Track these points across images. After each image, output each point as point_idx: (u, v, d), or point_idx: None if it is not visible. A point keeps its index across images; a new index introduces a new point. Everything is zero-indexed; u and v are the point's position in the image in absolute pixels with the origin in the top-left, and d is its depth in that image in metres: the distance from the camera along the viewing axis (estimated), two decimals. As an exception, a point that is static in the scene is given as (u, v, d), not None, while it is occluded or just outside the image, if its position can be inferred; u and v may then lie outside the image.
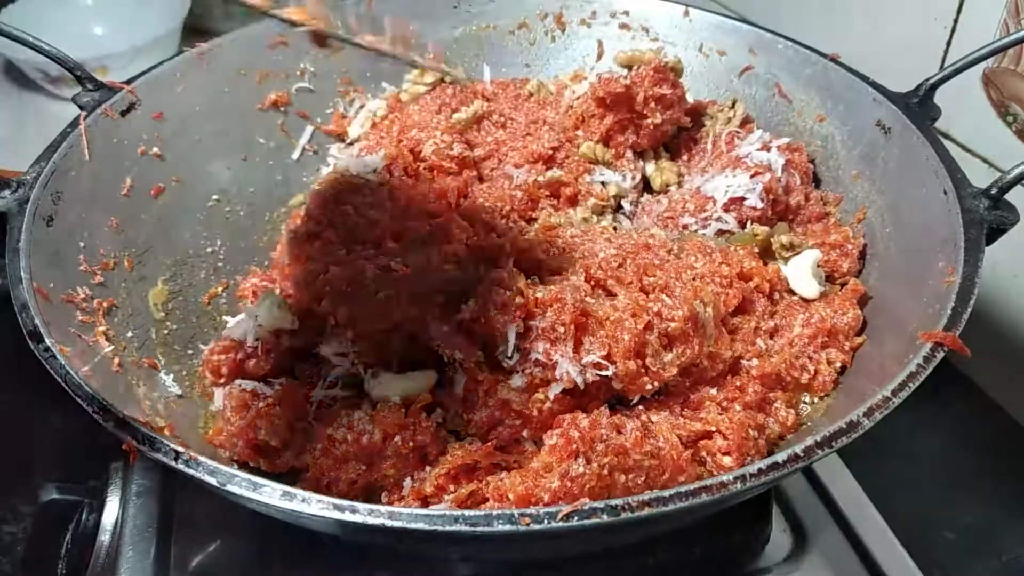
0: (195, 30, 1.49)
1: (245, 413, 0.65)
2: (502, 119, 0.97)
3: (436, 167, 0.88)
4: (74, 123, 0.77)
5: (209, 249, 0.87)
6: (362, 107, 1.02)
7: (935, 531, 0.87)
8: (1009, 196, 0.66)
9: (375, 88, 1.04)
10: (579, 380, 0.62)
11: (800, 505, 0.84)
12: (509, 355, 0.63)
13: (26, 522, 0.79)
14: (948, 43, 0.94)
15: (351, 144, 1.00)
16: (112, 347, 0.66)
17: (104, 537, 0.76)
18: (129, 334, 0.71)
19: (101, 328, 0.67)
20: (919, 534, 0.83)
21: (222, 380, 0.71)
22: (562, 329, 0.63)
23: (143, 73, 0.85)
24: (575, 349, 0.63)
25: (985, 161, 0.94)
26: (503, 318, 0.63)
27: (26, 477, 0.83)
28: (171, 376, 0.72)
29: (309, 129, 1.01)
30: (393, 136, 0.92)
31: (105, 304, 0.70)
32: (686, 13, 0.98)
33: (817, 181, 0.87)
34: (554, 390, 0.62)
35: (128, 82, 0.83)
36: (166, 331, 0.76)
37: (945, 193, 0.67)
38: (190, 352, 0.77)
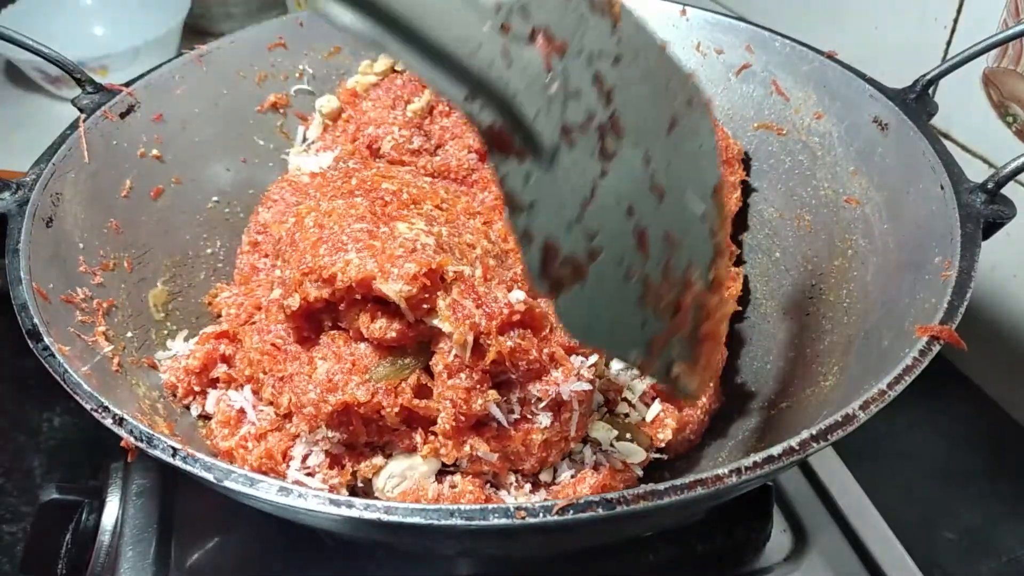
0: (195, 30, 1.50)
1: (233, 432, 0.65)
2: (447, 108, 0.93)
3: (395, 162, 0.88)
4: (73, 125, 0.77)
5: (209, 250, 0.87)
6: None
7: (935, 531, 0.88)
8: (1010, 195, 0.65)
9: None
10: (571, 389, 0.62)
11: (800, 505, 0.84)
12: (507, 423, 0.61)
13: (26, 522, 0.79)
14: (948, 43, 0.94)
15: (311, 144, 0.98)
16: (112, 347, 0.66)
17: (104, 537, 0.76)
18: (129, 334, 0.72)
19: (101, 328, 0.67)
20: (919, 534, 0.83)
21: (180, 396, 0.70)
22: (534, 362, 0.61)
23: (143, 75, 0.85)
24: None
25: (985, 161, 0.94)
26: (475, 399, 0.60)
27: (26, 477, 0.83)
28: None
29: (308, 131, 1.01)
30: (349, 134, 0.91)
31: (105, 304, 0.70)
32: (683, 12, 0.98)
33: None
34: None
35: (127, 84, 0.83)
36: (166, 332, 0.76)
37: (942, 188, 0.67)
38: (189, 352, 0.77)
